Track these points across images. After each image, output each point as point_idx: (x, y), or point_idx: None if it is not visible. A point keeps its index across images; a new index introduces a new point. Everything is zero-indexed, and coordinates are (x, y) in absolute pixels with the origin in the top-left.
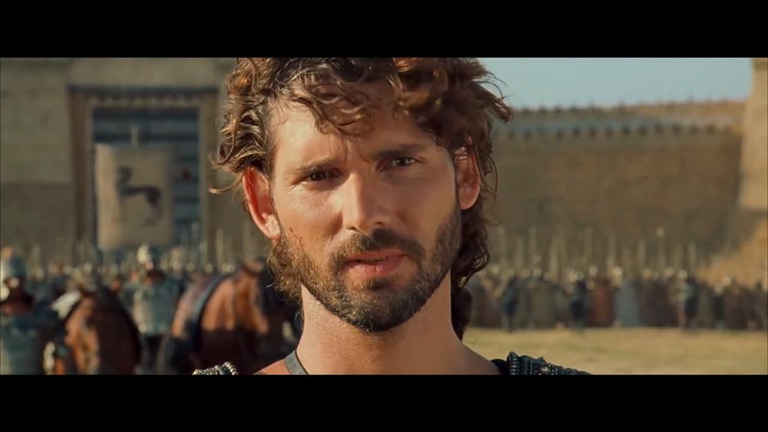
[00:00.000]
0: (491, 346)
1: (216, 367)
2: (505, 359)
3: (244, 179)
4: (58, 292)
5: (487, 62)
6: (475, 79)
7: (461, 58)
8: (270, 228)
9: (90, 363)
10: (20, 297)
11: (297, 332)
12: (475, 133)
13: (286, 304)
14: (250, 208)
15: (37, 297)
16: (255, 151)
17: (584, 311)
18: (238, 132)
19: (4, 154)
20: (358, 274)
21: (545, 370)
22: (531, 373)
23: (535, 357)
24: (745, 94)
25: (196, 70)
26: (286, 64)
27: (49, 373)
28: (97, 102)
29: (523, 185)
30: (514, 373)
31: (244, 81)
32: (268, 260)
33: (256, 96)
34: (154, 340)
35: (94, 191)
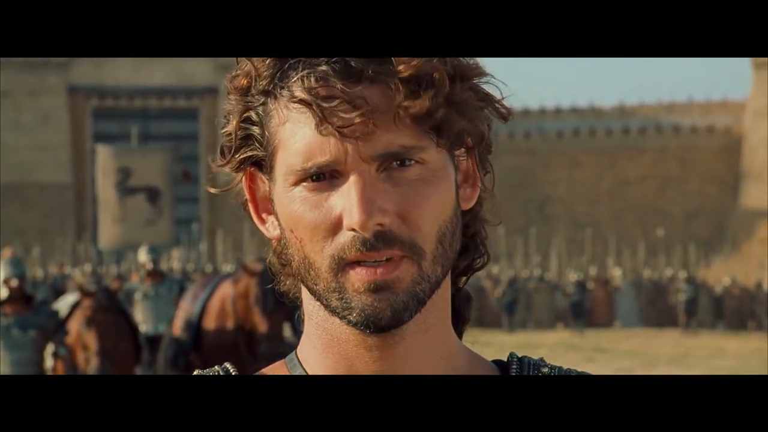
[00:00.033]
0: (491, 346)
1: (216, 367)
2: (505, 359)
3: (244, 180)
4: (58, 292)
5: (487, 62)
6: (476, 80)
7: (461, 59)
8: (270, 228)
9: (90, 363)
10: (20, 297)
11: (297, 332)
12: (476, 135)
13: (286, 304)
14: (250, 208)
15: (37, 297)
16: (255, 152)
17: (584, 311)
18: (238, 133)
19: (4, 154)
20: (358, 276)
21: (545, 370)
22: (531, 373)
23: (535, 357)
24: (745, 94)
25: (196, 70)
26: (286, 66)
27: (49, 373)
28: (97, 102)
29: (523, 185)
30: (514, 374)
31: (244, 82)
32: (268, 260)
33: (256, 97)
34: (154, 340)
35: (94, 191)
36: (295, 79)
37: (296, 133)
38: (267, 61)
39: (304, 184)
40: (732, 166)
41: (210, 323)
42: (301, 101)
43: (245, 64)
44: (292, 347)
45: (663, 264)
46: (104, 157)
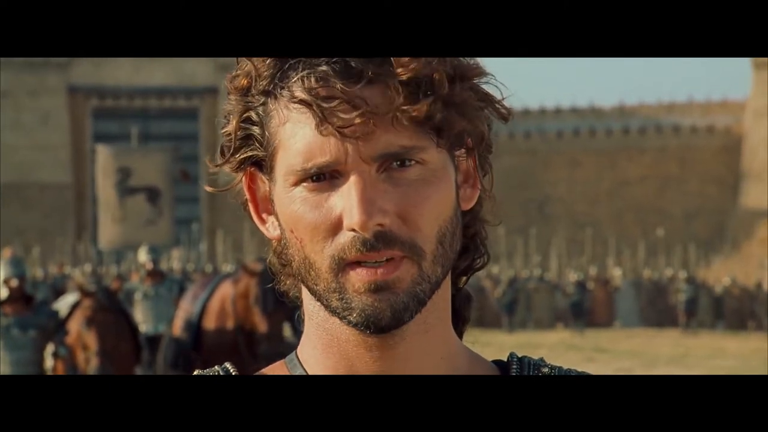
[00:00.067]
0: (491, 346)
1: (216, 367)
2: (505, 359)
3: (244, 180)
4: (58, 292)
5: (487, 62)
6: (476, 80)
7: (461, 59)
8: (270, 228)
9: (90, 363)
10: (20, 297)
11: (297, 332)
12: (476, 135)
13: (286, 304)
14: (251, 208)
15: (37, 297)
16: (255, 152)
17: (584, 311)
18: (238, 133)
19: (4, 154)
20: (359, 277)
21: (545, 370)
22: (531, 373)
23: (536, 357)
24: (745, 94)
25: (196, 70)
26: (286, 66)
27: (49, 373)
28: (97, 102)
29: (523, 185)
30: (514, 374)
31: (244, 82)
32: (268, 260)
33: (257, 97)
34: (154, 340)
35: (94, 191)
36: (295, 79)
37: (296, 134)
38: (267, 61)
39: (305, 184)
40: (732, 166)
41: (210, 323)
42: (302, 101)
43: (245, 64)
44: (292, 347)
45: (663, 264)
46: (104, 157)
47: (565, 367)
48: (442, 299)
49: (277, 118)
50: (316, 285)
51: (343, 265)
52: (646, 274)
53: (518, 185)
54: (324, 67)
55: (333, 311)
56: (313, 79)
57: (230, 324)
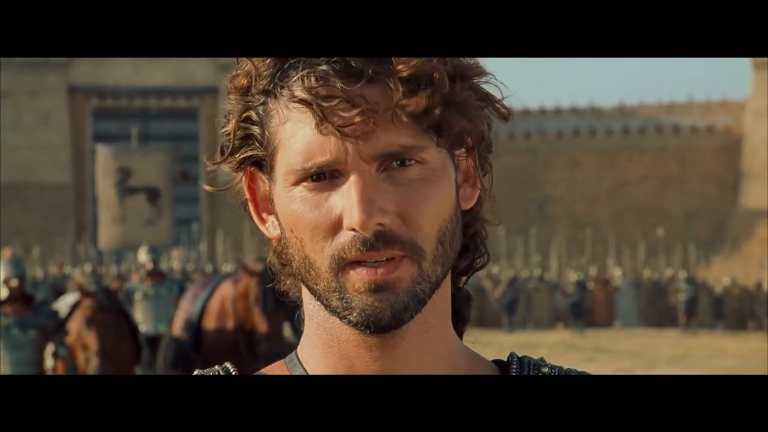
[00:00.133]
0: (491, 346)
1: (216, 367)
2: (505, 359)
3: (244, 179)
4: (58, 292)
5: (487, 62)
6: (476, 80)
7: (461, 59)
8: (270, 228)
9: (90, 363)
10: (20, 297)
11: (297, 332)
12: (476, 135)
13: (286, 303)
14: (251, 208)
15: (37, 297)
16: (255, 152)
17: (584, 311)
18: (238, 132)
19: (4, 154)
20: (359, 276)
21: (545, 370)
22: (531, 373)
23: (535, 357)
24: (745, 94)
25: (196, 70)
26: (286, 65)
27: (49, 373)
28: (97, 102)
29: (523, 185)
30: (514, 374)
31: (244, 81)
32: (268, 260)
33: (257, 97)
34: (154, 340)
35: (94, 191)
36: (295, 78)
37: (296, 133)
38: (267, 61)
39: (305, 183)
40: (732, 166)
41: (210, 323)
42: (301, 101)
43: (245, 64)
44: (292, 347)
45: (663, 264)
46: (104, 157)
47: (565, 367)
48: (442, 299)
49: (277, 117)
50: (316, 284)
51: (343, 265)
52: (646, 274)
53: (518, 185)
54: (324, 67)
55: (333, 311)
56: (313, 79)
57: (230, 324)
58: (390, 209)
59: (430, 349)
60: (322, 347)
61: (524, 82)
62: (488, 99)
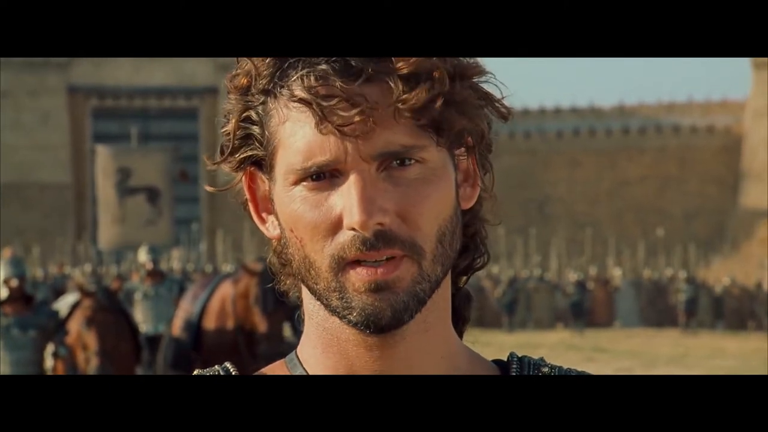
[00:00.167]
0: (491, 346)
1: (216, 366)
2: (505, 359)
3: (244, 179)
4: (58, 292)
5: (487, 62)
6: (475, 79)
7: (461, 58)
8: (270, 228)
9: (90, 363)
10: (20, 297)
11: (297, 332)
12: (476, 134)
13: (286, 303)
14: (250, 208)
15: (37, 297)
16: (255, 152)
17: (584, 311)
18: (238, 132)
19: (4, 154)
20: (359, 276)
21: (545, 370)
22: (531, 373)
23: (535, 357)
24: (745, 94)
25: (196, 70)
26: (286, 65)
27: (49, 373)
28: (97, 102)
29: (523, 185)
30: (514, 373)
31: (243, 81)
32: (268, 260)
33: (256, 96)
34: (154, 340)
35: (94, 191)
36: (294, 78)
37: (296, 133)
38: (267, 61)
39: (304, 183)
40: (732, 166)
41: (210, 323)
42: (301, 100)
43: (245, 64)
44: (292, 347)
45: (663, 264)
46: (104, 158)
47: (565, 366)
48: (442, 298)
49: (277, 117)
50: (316, 284)
51: (343, 265)
52: (646, 274)
53: (518, 185)
54: (324, 66)
55: (333, 311)
56: (312, 78)
57: (230, 324)
58: (390, 209)
59: (430, 348)
60: (322, 347)
61: (524, 82)
62: (488, 98)
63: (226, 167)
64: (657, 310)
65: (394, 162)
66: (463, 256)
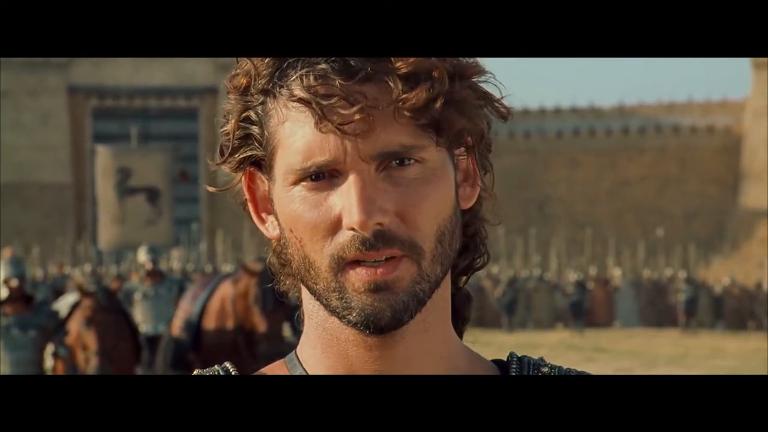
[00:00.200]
0: (491, 346)
1: (216, 366)
2: (505, 359)
3: (243, 179)
4: (58, 292)
5: (487, 62)
6: (475, 79)
7: (461, 58)
8: (270, 228)
9: (90, 363)
10: (20, 297)
11: (297, 332)
12: (475, 134)
13: (285, 303)
14: (250, 208)
15: (37, 297)
16: (254, 152)
17: (584, 311)
18: (237, 132)
19: (4, 154)
20: (358, 276)
21: (545, 370)
22: (531, 373)
23: (535, 357)
24: (745, 94)
25: (196, 70)
26: (285, 65)
27: (49, 373)
28: (97, 102)
29: (523, 185)
30: (514, 373)
31: (243, 81)
32: (267, 260)
33: (256, 96)
34: (154, 340)
35: (94, 191)
36: (294, 77)
37: (296, 132)
38: (266, 61)
39: (304, 183)
40: (732, 166)
41: (210, 323)
42: (300, 100)
43: (245, 63)
44: (292, 347)
45: (663, 264)
46: (104, 158)
47: (565, 366)
48: (442, 299)
49: (277, 117)
50: (316, 284)
51: (342, 265)
52: (646, 274)
53: (518, 185)
54: (323, 66)
55: (332, 311)
56: (312, 78)
57: (230, 324)
58: (389, 209)
59: (429, 348)
60: (322, 347)
61: (524, 82)
62: (487, 98)
63: (225, 167)
64: (657, 310)
65: (394, 162)
66: (462, 256)
